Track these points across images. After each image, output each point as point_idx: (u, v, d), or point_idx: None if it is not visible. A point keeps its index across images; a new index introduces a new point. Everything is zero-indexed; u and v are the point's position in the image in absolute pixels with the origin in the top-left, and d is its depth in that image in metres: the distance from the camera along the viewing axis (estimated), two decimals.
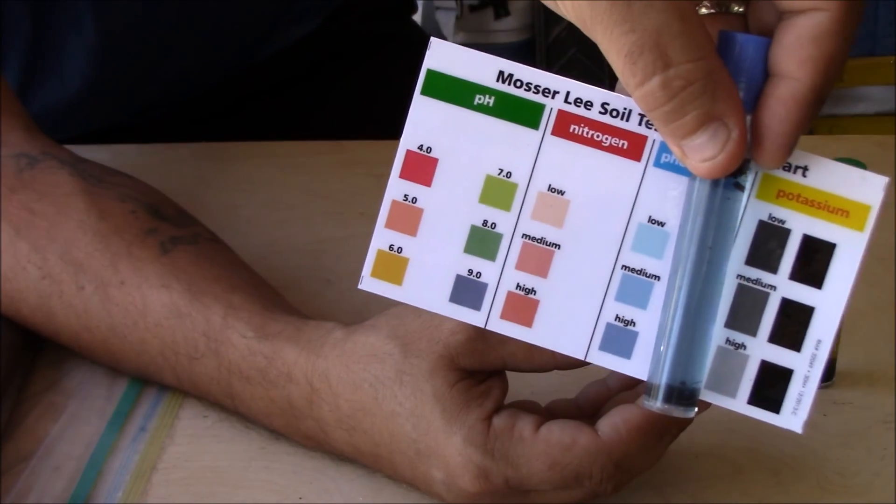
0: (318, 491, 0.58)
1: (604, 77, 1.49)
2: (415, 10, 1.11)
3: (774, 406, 0.44)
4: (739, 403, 0.44)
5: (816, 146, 0.85)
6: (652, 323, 0.43)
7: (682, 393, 0.43)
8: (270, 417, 0.59)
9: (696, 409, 0.44)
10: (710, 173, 0.39)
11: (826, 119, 1.40)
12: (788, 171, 0.41)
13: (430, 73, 0.42)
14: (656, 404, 0.43)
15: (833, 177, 0.41)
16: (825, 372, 0.43)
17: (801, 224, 0.41)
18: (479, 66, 0.42)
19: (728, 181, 0.40)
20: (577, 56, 1.57)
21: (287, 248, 0.75)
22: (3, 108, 0.67)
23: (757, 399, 0.44)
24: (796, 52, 0.38)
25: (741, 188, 0.41)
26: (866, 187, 0.41)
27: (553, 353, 0.49)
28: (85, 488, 0.58)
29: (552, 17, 1.37)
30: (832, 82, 0.39)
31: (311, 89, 0.97)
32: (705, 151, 0.39)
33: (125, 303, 0.60)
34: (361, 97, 0.98)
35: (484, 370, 0.53)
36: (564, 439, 0.51)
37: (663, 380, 0.43)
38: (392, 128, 0.90)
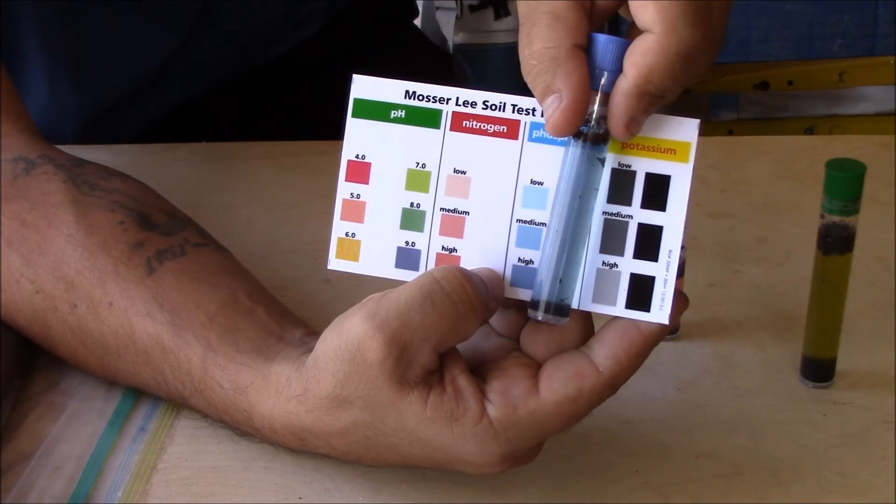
0: (318, 491, 0.58)
1: None
2: (416, 14, 1.11)
3: (645, 307, 0.53)
4: (619, 309, 0.53)
5: (816, 146, 0.85)
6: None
7: (558, 308, 0.53)
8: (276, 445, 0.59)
9: (568, 318, 0.53)
10: (551, 129, 0.51)
11: (826, 119, 1.39)
12: None
13: (356, 100, 0.56)
14: (539, 315, 0.53)
15: (660, 127, 0.52)
16: (679, 270, 0.53)
17: (642, 165, 0.52)
18: (389, 90, 0.55)
19: (593, 151, 0.52)
20: None
21: (287, 248, 0.75)
22: (4, 110, 0.67)
23: (631, 304, 0.53)
24: (629, 57, 0.50)
25: (602, 160, 0.52)
26: (685, 129, 0.52)
27: (475, 310, 0.53)
28: (85, 488, 0.58)
29: None
30: (659, 86, 0.50)
31: (312, 91, 0.97)
32: (547, 111, 0.51)
33: (115, 325, 0.60)
34: None
35: (433, 367, 0.53)
36: (570, 392, 0.52)
37: (543, 296, 0.53)
38: None
